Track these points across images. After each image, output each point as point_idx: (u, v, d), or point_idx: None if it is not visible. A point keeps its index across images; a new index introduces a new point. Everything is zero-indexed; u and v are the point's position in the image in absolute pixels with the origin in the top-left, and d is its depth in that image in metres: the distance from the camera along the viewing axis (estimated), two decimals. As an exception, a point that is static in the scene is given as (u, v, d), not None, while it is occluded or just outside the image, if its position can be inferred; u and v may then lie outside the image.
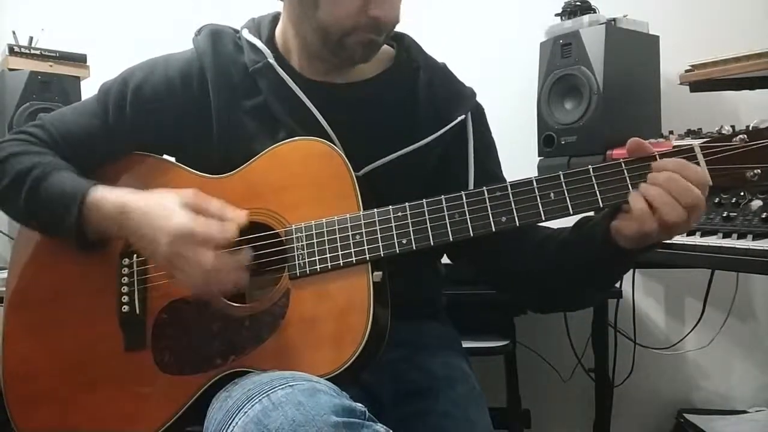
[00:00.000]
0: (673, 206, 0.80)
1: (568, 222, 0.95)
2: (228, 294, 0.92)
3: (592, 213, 0.92)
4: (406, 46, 1.14)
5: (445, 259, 1.16)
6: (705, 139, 0.86)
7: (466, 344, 1.19)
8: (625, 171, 0.85)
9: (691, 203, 0.80)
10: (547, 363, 2.14)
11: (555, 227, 1.01)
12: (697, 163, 0.84)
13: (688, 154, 0.84)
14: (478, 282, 1.39)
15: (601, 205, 0.86)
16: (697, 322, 1.98)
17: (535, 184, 0.88)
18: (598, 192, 0.85)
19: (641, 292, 2.15)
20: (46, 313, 1.02)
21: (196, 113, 1.04)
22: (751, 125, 0.82)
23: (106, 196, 0.96)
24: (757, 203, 1.22)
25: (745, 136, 0.83)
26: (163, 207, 0.91)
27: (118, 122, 1.05)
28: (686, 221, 0.81)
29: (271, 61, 1.03)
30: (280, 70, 1.03)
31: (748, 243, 1.17)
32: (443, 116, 1.07)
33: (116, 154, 1.07)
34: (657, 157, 0.85)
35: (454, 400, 1.01)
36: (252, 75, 1.04)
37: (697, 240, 1.26)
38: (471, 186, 1.07)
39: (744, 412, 2.00)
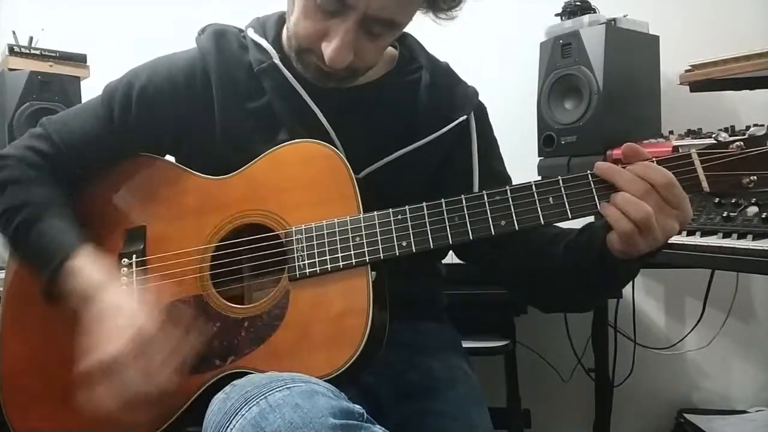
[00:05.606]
0: (636, 204, 0.82)
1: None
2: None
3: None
4: (408, 46, 1.14)
5: (446, 259, 1.16)
6: (703, 142, 0.87)
7: (466, 344, 1.19)
8: None
9: (654, 203, 0.81)
10: (547, 363, 2.14)
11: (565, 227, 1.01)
12: (695, 169, 0.84)
13: (685, 160, 0.85)
14: (478, 282, 1.40)
15: (599, 210, 0.86)
16: (697, 322, 1.98)
17: (534, 188, 0.88)
18: (596, 197, 0.86)
19: (641, 292, 2.15)
20: (44, 313, 1.02)
21: (199, 113, 1.04)
22: (748, 132, 0.83)
23: (75, 278, 0.94)
24: (753, 209, 1.22)
25: (742, 143, 0.83)
26: (112, 327, 0.88)
27: (124, 124, 1.05)
28: (663, 222, 0.82)
29: (277, 61, 1.03)
30: (286, 71, 1.02)
31: (748, 243, 1.17)
32: (445, 116, 1.07)
33: (121, 157, 1.07)
34: (654, 161, 0.85)
35: (455, 401, 1.01)
36: (257, 75, 1.04)
37: (697, 240, 1.27)
38: (476, 185, 1.07)
39: (744, 412, 2.01)
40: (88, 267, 0.95)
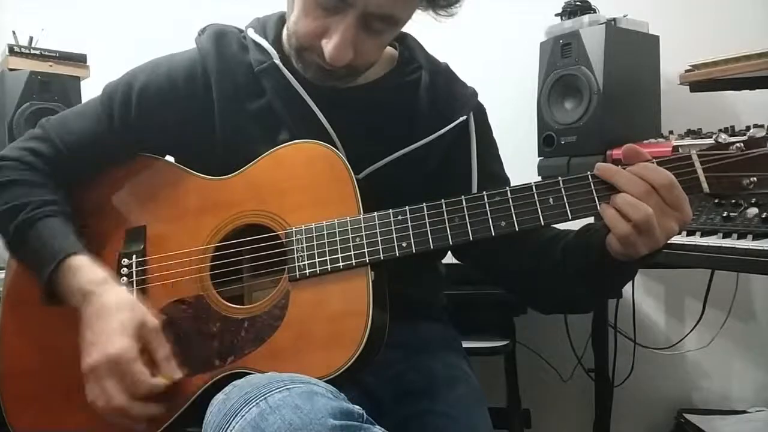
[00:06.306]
0: (636, 206, 0.82)
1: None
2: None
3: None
4: (408, 46, 1.14)
5: (445, 259, 1.16)
6: (703, 142, 0.87)
7: (466, 344, 1.19)
8: None
9: (654, 204, 0.82)
10: (547, 363, 2.14)
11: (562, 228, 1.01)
12: (695, 171, 0.84)
13: (685, 161, 0.85)
14: (478, 282, 1.40)
15: (599, 211, 0.86)
16: (697, 322, 1.98)
17: (534, 189, 0.88)
18: (596, 198, 0.86)
19: (641, 292, 2.15)
20: (44, 312, 1.02)
21: (199, 114, 1.04)
22: (748, 134, 0.83)
23: (76, 275, 0.95)
24: (753, 210, 1.23)
25: (742, 144, 0.83)
26: (116, 321, 0.90)
27: (123, 124, 1.05)
28: (663, 223, 0.82)
29: (277, 62, 1.03)
30: (286, 71, 1.02)
31: (748, 243, 1.17)
32: (444, 117, 1.07)
33: (121, 157, 1.07)
34: (654, 162, 0.85)
35: (454, 401, 1.01)
36: (257, 75, 1.04)
37: (697, 240, 1.27)
38: (474, 187, 1.07)
39: (744, 412, 2.00)
40: (86, 266, 0.95)
